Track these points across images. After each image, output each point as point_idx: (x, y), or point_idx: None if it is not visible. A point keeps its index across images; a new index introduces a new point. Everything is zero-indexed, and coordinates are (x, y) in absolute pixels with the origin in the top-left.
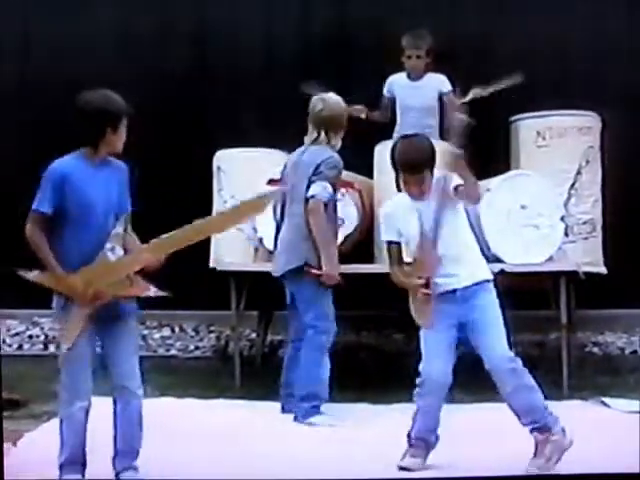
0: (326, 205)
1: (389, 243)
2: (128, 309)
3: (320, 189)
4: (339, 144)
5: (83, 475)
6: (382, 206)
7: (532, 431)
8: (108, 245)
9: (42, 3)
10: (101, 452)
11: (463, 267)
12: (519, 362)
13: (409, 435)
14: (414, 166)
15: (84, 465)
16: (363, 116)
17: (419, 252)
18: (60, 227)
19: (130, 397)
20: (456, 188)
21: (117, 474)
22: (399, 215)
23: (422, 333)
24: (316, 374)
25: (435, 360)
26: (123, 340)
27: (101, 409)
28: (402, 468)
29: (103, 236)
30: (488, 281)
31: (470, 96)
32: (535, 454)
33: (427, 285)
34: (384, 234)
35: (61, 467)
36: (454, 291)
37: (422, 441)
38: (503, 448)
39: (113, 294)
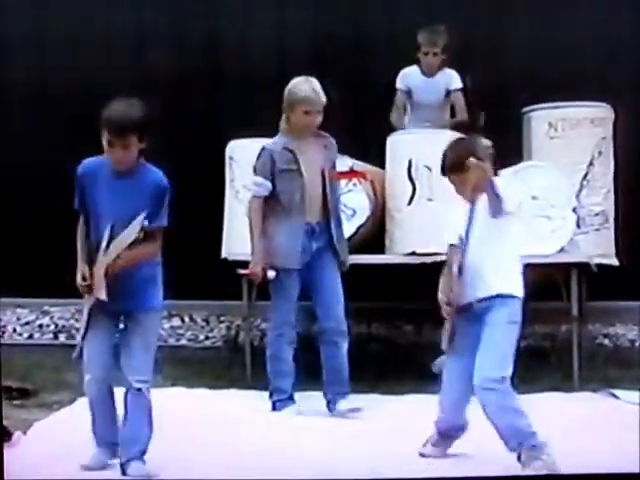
0: (267, 198)
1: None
2: (149, 306)
3: (251, 185)
4: (282, 126)
5: (112, 455)
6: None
7: (519, 454)
8: (102, 246)
9: (54, 4)
10: None
11: (485, 278)
12: (505, 384)
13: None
14: (451, 167)
15: (113, 444)
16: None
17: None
18: (88, 223)
19: (135, 393)
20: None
21: (122, 465)
22: (457, 218)
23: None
24: (274, 369)
25: (448, 392)
26: (137, 334)
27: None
28: (422, 455)
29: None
30: (509, 296)
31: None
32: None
33: (449, 304)
34: (446, 236)
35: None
36: (471, 305)
37: (451, 430)
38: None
39: (94, 295)
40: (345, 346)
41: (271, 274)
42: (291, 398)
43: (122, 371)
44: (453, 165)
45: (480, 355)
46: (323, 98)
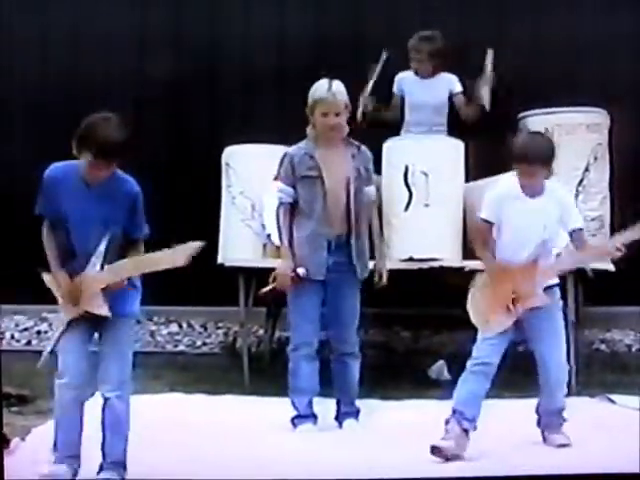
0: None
1: (483, 220)
2: (126, 312)
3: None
4: (308, 132)
5: (75, 470)
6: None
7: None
8: (92, 260)
9: (55, 3)
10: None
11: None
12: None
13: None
14: (532, 158)
15: (77, 458)
16: (370, 108)
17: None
18: (57, 229)
19: (107, 403)
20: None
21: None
22: (505, 200)
23: None
24: (291, 385)
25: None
26: (110, 343)
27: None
28: (434, 448)
29: (89, 251)
30: (551, 287)
31: (488, 95)
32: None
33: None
34: (484, 212)
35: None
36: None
37: (461, 416)
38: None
39: (83, 308)
40: (355, 366)
41: (301, 271)
42: (309, 416)
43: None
44: (538, 157)
45: (548, 346)
46: (342, 99)
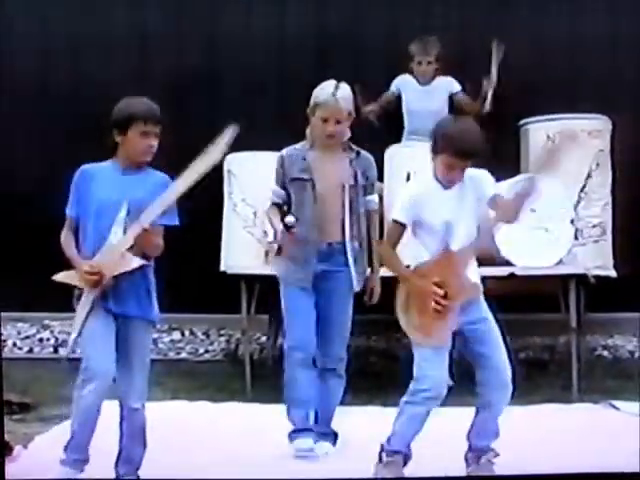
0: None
1: (396, 222)
2: (151, 315)
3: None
4: (307, 133)
5: (82, 470)
6: (406, 186)
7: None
8: (113, 229)
9: (58, 3)
10: (104, 451)
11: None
12: None
13: (383, 448)
14: (473, 153)
15: (85, 460)
16: (371, 116)
17: (442, 254)
18: (83, 225)
19: (130, 412)
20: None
21: (117, 477)
22: (424, 201)
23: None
24: (287, 395)
25: (432, 369)
26: (137, 351)
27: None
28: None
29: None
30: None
31: (489, 96)
32: None
33: (445, 296)
34: (397, 213)
35: (65, 450)
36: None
37: (400, 455)
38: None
39: (110, 274)
40: (336, 385)
41: (290, 219)
42: (307, 430)
43: (119, 389)
44: (479, 151)
45: (492, 349)
46: (345, 106)
